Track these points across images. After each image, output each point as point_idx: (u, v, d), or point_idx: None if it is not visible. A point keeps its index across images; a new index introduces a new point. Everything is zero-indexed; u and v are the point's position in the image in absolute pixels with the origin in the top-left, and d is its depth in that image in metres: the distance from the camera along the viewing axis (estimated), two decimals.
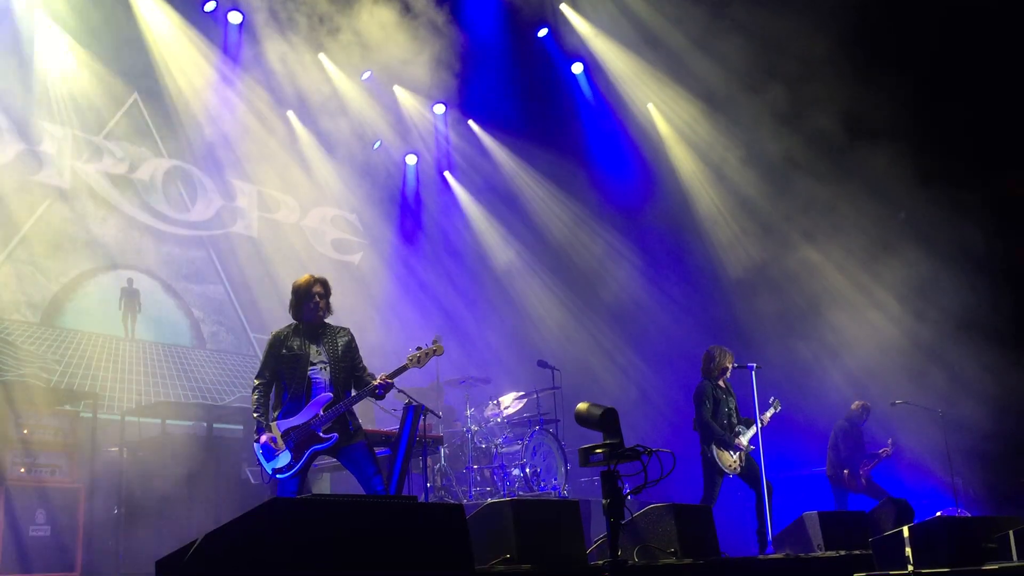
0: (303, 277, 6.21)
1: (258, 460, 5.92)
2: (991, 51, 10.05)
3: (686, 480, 7.34)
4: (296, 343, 6.02)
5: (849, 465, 9.97)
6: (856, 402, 10.37)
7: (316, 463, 6.37)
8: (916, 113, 10.36)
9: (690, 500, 7.51)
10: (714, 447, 7.93)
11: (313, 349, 6.02)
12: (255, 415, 5.92)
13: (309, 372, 5.94)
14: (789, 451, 10.53)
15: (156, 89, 10.91)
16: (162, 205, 11.09)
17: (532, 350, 12.47)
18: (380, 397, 6.14)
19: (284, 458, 5.80)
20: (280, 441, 5.81)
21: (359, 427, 6.06)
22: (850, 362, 11.29)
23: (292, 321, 6.19)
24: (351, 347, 6.16)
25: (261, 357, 6.15)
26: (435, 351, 6.21)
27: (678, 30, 11.69)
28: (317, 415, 5.82)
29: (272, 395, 6.03)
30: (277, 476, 5.82)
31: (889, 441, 10.20)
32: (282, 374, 5.98)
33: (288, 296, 6.25)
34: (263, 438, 5.84)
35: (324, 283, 6.18)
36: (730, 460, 7.92)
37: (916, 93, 10.37)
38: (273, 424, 5.87)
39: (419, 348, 6.17)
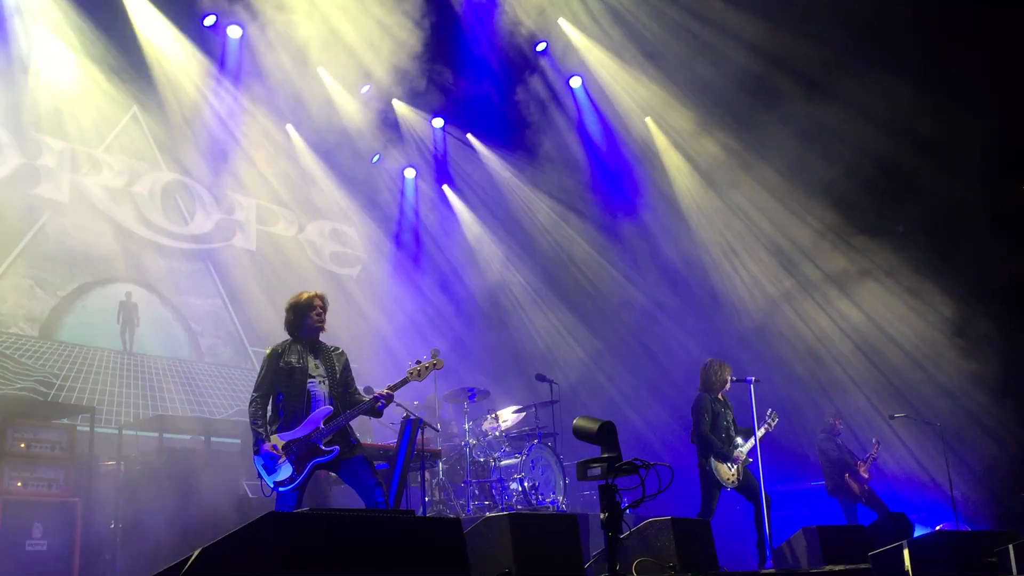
0: (301, 293, 6.24)
1: (258, 473, 5.90)
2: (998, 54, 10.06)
3: (684, 494, 7.32)
4: (294, 357, 6.03)
5: (846, 468, 9.95)
6: (829, 414, 10.39)
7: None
8: (924, 128, 10.38)
9: (688, 514, 7.50)
10: (712, 460, 7.92)
11: (312, 363, 6.03)
12: (253, 427, 5.90)
13: (308, 385, 5.95)
14: (788, 464, 10.51)
15: (155, 103, 10.93)
16: (161, 218, 11.10)
17: (530, 364, 12.46)
18: (379, 413, 6.13)
19: (285, 471, 5.78)
20: (281, 453, 5.79)
21: (358, 440, 6.07)
22: (849, 375, 11.29)
23: (288, 337, 6.20)
24: (346, 365, 6.19)
25: (259, 371, 6.15)
26: (435, 364, 6.20)
27: (677, 44, 11.72)
28: (318, 428, 5.81)
29: (270, 409, 6.02)
30: (279, 489, 5.80)
31: (874, 440, 10.21)
32: (280, 387, 5.98)
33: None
34: (264, 448, 5.81)
35: (323, 298, 6.22)
36: (728, 473, 7.90)
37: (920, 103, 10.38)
38: (274, 436, 5.86)
39: (418, 362, 6.17)
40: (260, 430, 5.88)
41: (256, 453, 5.86)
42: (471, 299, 13.67)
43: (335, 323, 6.29)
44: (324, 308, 6.19)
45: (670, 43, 11.67)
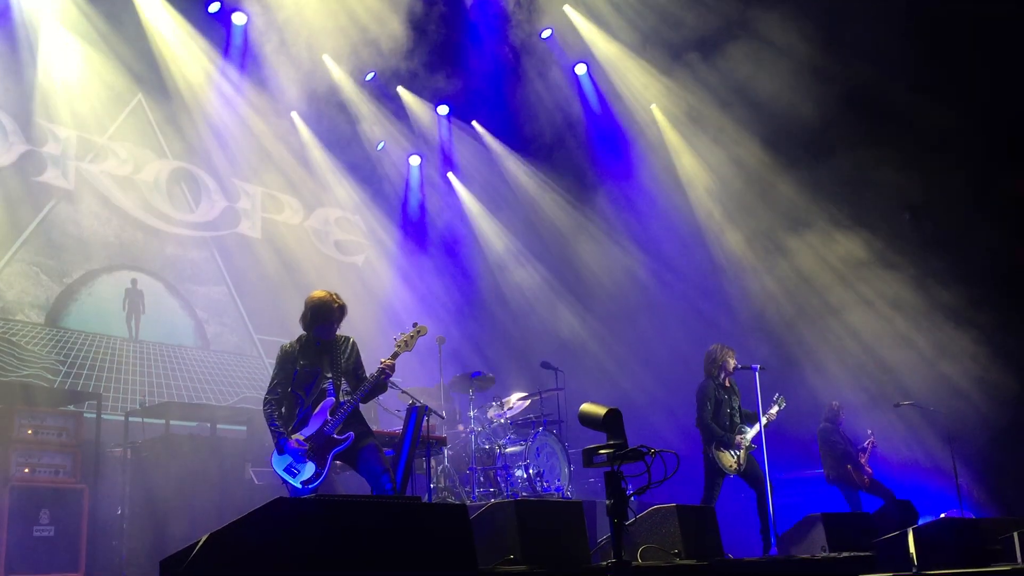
0: (322, 293, 6.15)
1: (281, 478, 5.86)
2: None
3: (690, 481, 7.34)
4: (309, 358, 6.02)
5: (850, 459, 9.95)
6: (832, 402, 10.38)
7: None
8: (923, 115, 10.34)
9: (694, 501, 7.52)
10: (714, 448, 7.94)
11: (326, 363, 6.03)
12: (272, 428, 5.86)
13: (325, 386, 5.95)
14: (794, 451, 10.50)
15: (160, 90, 10.92)
16: (166, 206, 11.11)
17: (535, 351, 12.46)
18: (385, 386, 6.13)
19: (309, 469, 5.78)
20: (307, 449, 5.79)
21: (368, 428, 6.08)
22: (853, 362, 11.27)
23: (298, 331, 6.19)
24: (356, 357, 6.19)
25: (272, 372, 6.12)
26: (419, 332, 6.23)
27: (682, 31, 11.68)
28: (327, 420, 5.83)
29: (285, 409, 6.01)
30: (308, 488, 5.77)
31: (869, 432, 10.21)
32: (296, 389, 5.98)
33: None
34: (289, 445, 5.77)
35: (344, 309, 6.18)
36: (730, 461, 7.92)
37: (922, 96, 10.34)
38: (293, 437, 5.86)
39: (402, 333, 6.17)
40: (280, 430, 5.84)
41: (280, 453, 5.80)
42: (476, 286, 13.66)
43: None
44: (341, 319, 6.18)
45: (678, 30, 11.64)
